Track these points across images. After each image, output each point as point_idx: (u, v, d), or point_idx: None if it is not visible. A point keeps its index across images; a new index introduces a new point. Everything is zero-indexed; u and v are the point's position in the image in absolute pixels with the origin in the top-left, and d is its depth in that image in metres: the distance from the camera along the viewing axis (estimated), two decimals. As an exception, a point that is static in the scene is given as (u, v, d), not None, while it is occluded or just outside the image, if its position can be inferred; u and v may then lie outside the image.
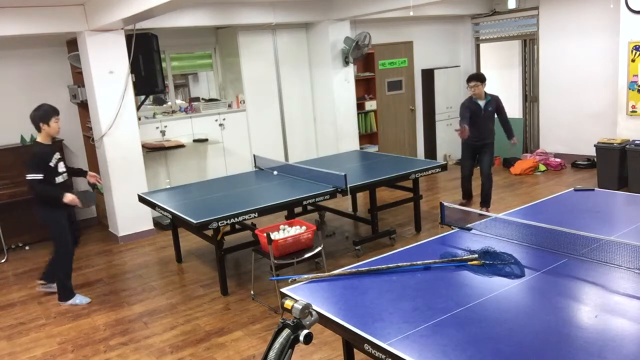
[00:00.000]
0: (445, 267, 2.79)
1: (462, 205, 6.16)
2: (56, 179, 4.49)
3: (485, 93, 6.26)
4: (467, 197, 6.78)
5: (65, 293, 4.73)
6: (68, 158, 6.85)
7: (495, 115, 6.39)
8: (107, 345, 3.98)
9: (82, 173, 4.92)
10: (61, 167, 4.56)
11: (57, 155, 4.53)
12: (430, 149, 9.45)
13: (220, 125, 7.36)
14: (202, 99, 7.84)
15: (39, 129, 4.43)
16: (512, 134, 6.45)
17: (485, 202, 6.41)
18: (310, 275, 2.82)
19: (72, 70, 6.73)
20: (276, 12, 7.12)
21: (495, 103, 6.27)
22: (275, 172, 5.46)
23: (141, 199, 5.33)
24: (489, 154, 6.34)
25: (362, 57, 7.99)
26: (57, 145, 4.66)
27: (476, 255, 2.80)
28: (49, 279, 4.94)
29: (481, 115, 6.24)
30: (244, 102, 7.55)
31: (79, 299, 4.75)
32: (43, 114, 4.39)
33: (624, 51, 6.77)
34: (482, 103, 6.24)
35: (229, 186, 5.53)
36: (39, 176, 4.34)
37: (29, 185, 4.46)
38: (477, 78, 6.24)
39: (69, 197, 4.41)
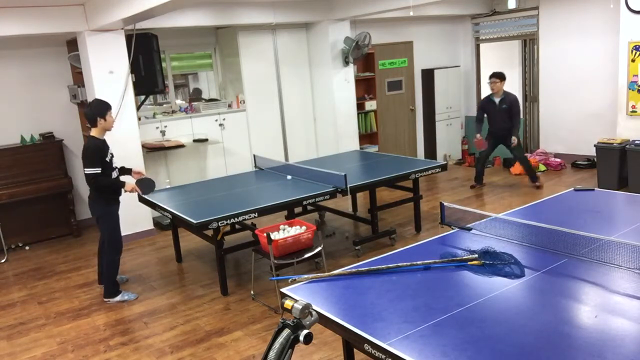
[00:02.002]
0: (445, 267, 2.79)
1: (472, 188, 7.28)
2: (112, 173, 4.54)
3: (503, 91, 7.00)
4: (478, 180, 7.47)
5: (113, 289, 4.72)
6: (68, 158, 6.86)
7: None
8: (107, 345, 3.98)
9: (126, 171, 4.91)
10: (114, 163, 4.62)
11: (111, 151, 4.58)
12: (430, 149, 9.45)
13: (220, 125, 7.36)
14: (202, 99, 7.84)
15: (94, 124, 4.44)
16: (513, 133, 6.98)
17: (531, 179, 7.23)
18: (310, 275, 2.82)
19: (72, 70, 6.73)
20: (276, 12, 7.12)
21: (509, 102, 6.96)
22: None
23: (141, 199, 5.33)
24: (500, 142, 7.11)
25: (362, 57, 7.99)
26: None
27: (476, 255, 2.80)
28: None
29: (495, 111, 7.06)
30: (244, 102, 7.55)
31: (127, 295, 4.74)
32: (100, 109, 4.43)
33: (624, 51, 6.77)
34: (497, 100, 7.03)
35: (229, 186, 5.53)
36: (98, 170, 4.37)
37: (88, 179, 4.40)
38: (497, 76, 7.00)
39: (130, 186, 4.55)
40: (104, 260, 4.74)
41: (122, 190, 4.60)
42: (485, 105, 7.21)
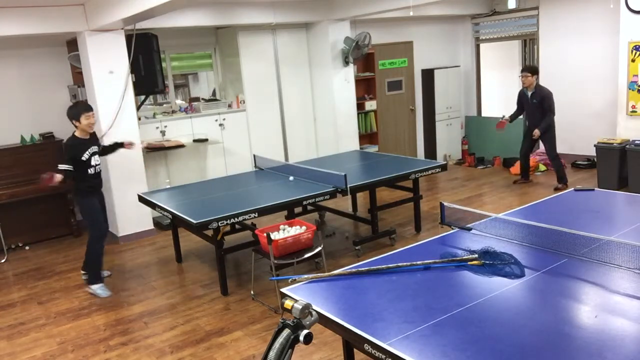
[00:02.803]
0: (445, 267, 2.79)
1: (516, 183, 7.41)
2: (89, 170, 4.74)
3: (537, 85, 6.97)
4: (523, 174, 7.49)
5: (92, 277, 4.91)
6: (68, 158, 6.86)
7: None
8: (107, 345, 3.98)
9: (118, 146, 5.23)
10: (94, 161, 4.79)
11: (91, 150, 4.75)
12: (430, 149, 9.45)
13: (220, 125, 7.36)
14: (202, 99, 7.84)
15: (74, 125, 4.70)
16: (538, 127, 6.96)
17: (559, 179, 7.12)
18: (310, 275, 2.82)
19: (72, 70, 6.73)
20: (276, 12, 7.12)
21: (539, 96, 6.92)
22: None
23: (141, 199, 5.33)
24: (547, 141, 7.07)
25: (362, 57, 7.99)
26: (94, 139, 4.92)
27: (476, 255, 2.80)
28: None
29: (528, 104, 7.07)
30: (244, 102, 7.55)
31: (100, 290, 4.86)
32: (74, 112, 4.67)
33: (624, 51, 6.77)
34: (529, 93, 7.02)
35: (229, 186, 5.52)
36: (70, 167, 4.60)
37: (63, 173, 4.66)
38: (527, 69, 6.99)
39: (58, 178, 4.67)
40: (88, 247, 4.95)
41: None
42: (520, 97, 7.20)
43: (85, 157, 4.70)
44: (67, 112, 4.71)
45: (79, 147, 4.69)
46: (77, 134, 4.74)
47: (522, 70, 7.04)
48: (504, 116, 7.33)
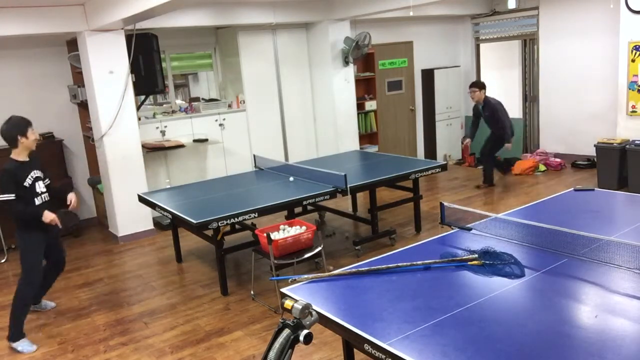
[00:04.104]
0: (445, 267, 2.79)
1: (479, 188, 7.42)
2: (35, 199, 3.98)
3: (485, 98, 7.08)
4: (486, 179, 7.52)
5: (16, 331, 4.02)
6: (68, 158, 6.86)
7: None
8: (107, 345, 3.98)
9: (65, 192, 4.35)
10: (39, 187, 4.02)
11: (34, 174, 3.97)
12: (430, 149, 9.45)
13: (220, 125, 7.36)
14: (202, 99, 7.84)
15: (15, 144, 3.89)
16: (505, 139, 7.08)
17: (485, 179, 7.40)
18: (310, 275, 2.82)
19: (72, 70, 6.73)
20: (276, 12, 7.12)
21: (490, 110, 7.04)
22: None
23: (141, 199, 5.33)
24: (490, 140, 7.25)
25: (362, 57, 7.99)
26: (36, 161, 4.06)
27: (476, 255, 2.80)
28: (37, 300, 4.54)
29: (483, 116, 7.19)
30: (244, 102, 7.55)
31: (26, 346, 3.99)
32: (18, 127, 3.86)
33: (624, 51, 6.77)
34: (480, 107, 7.16)
35: (229, 186, 5.53)
36: (11, 196, 3.82)
37: (3, 205, 3.86)
38: (475, 85, 7.14)
39: (49, 217, 3.92)
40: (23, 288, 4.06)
41: (42, 218, 3.93)
42: (475, 110, 7.34)
43: (27, 182, 3.90)
44: (8, 127, 3.86)
45: (20, 171, 3.88)
46: (15, 155, 3.90)
47: (470, 86, 7.16)
48: (467, 141, 7.53)
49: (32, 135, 3.93)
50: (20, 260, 4.08)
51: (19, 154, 3.94)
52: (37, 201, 4.01)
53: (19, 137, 3.87)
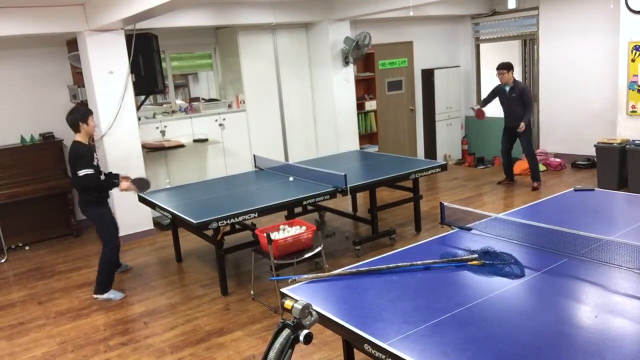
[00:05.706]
0: (445, 267, 2.79)
1: (500, 184, 7.53)
2: (100, 176, 4.67)
3: (514, 80, 7.14)
4: (507, 175, 7.57)
5: (104, 285, 4.78)
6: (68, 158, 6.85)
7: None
8: (107, 345, 3.98)
9: (114, 176, 4.93)
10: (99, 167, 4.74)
11: (96, 155, 4.70)
12: (430, 149, 9.45)
13: (220, 125, 7.36)
14: (202, 99, 7.84)
15: (77, 129, 4.53)
16: (523, 119, 7.03)
17: (533, 177, 7.27)
18: (310, 275, 2.82)
19: (72, 70, 6.73)
20: (276, 12, 7.12)
21: (518, 90, 7.07)
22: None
23: (141, 199, 5.33)
24: (524, 137, 7.13)
25: (362, 57, 7.98)
26: (93, 145, 4.83)
27: (476, 255, 2.80)
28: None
29: (505, 98, 7.19)
30: (244, 102, 7.55)
31: (113, 294, 4.79)
32: (80, 115, 4.54)
33: (624, 51, 6.77)
34: (507, 88, 7.14)
35: (229, 186, 5.52)
36: (91, 171, 4.47)
37: (82, 181, 4.48)
38: (503, 67, 7.13)
39: (125, 185, 4.72)
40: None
41: (117, 188, 4.80)
42: (497, 90, 7.28)
43: (95, 161, 4.60)
44: (71, 117, 4.53)
45: (89, 150, 4.58)
46: (80, 139, 4.56)
47: (498, 68, 7.15)
48: (477, 106, 7.52)
49: (92, 122, 4.61)
50: (99, 233, 4.85)
51: (83, 138, 4.57)
52: (101, 177, 4.69)
53: (80, 123, 4.52)
